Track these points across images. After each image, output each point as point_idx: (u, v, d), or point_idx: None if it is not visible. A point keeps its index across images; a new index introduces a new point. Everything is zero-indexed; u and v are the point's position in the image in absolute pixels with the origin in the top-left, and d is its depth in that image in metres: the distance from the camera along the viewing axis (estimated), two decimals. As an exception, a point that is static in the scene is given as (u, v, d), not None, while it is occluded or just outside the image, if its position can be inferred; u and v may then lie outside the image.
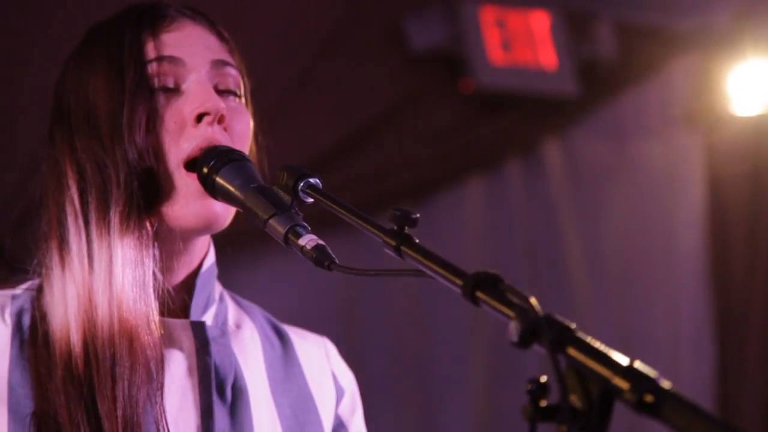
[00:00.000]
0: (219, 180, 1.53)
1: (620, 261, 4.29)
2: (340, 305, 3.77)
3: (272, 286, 3.49)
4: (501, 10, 4.04)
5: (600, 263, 4.26)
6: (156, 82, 1.57)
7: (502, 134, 4.08)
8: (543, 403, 1.17)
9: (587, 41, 4.14)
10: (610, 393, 1.13)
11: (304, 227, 1.46)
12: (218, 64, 1.61)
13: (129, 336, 1.51)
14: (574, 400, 1.15)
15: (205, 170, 1.54)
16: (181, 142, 1.55)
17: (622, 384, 1.12)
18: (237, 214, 1.62)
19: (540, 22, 4.10)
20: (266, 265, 3.51)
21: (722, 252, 4.43)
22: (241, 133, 1.62)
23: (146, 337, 1.52)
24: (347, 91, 3.78)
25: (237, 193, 1.51)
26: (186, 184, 1.56)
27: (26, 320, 1.57)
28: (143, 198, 1.54)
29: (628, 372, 1.12)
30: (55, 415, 1.50)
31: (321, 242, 1.44)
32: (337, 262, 1.42)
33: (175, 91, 1.58)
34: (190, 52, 1.59)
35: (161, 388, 1.53)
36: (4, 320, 1.58)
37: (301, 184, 1.48)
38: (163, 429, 1.52)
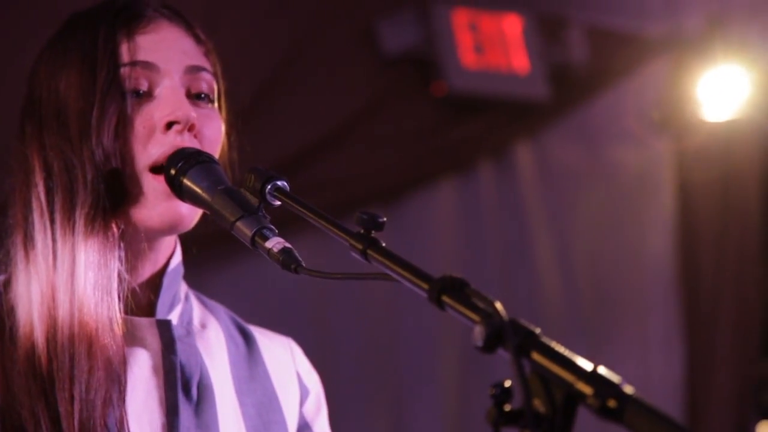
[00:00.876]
0: (186, 182, 1.53)
1: (591, 263, 4.31)
2: (310, 306, 3.77)
3: (242, 286, 3.48)
4: (474, 14, 4.05)
5: (571, 266, 4.28)
6: (128, 86, 1.56)
7: (474, 137, 4.09)
8: (507, 408, 1.18)
9: (559, 45, 4.16)
10: (574, 398, 1.13)
11: (271, 230, 1.46)
12: (192, 69, 1.61)
13: (89, 339, 1.50)
14: (538, 404, 1.15)
15: (173, 172, 1.54)
16: (149, 147, 1.55)
17: (586, 389, 1.12)
18: (204, 215, 1.62)
19: (512, 25, 4.11)
20: (236, 265, 3.51)
21: (691, 255, 4.46)
22: (211, 138, 1.62)
23: (108, 340, 1.51)
24: (319, 92, 3.78)
25: (204, 195, 1.51)
26: (152, 186, 1.56)
27: None
28: (109, 200, 1.54)
29: (592, 377, 1.13)
30: (18, 409, 1.50)
31: (288, 245, 1.44)
32: (304, 265, 1.42)
33: (147, 95, 1.58)
34: (165, 56, 1.59)
35: (124, 390, 1.52)
36: None
37: (269, 186, 1.48)
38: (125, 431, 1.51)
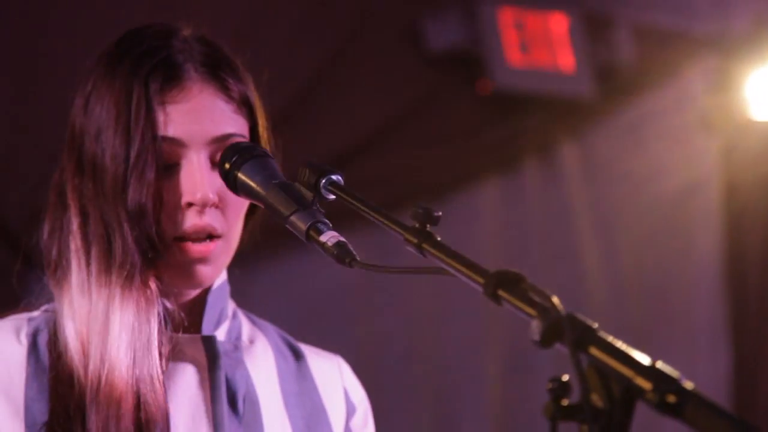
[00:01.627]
0: (241, 176, 1.53)
1: (637, 263, 4.28)
2: (354, 307, 3.77)
3: (286, 289, 3.49)
4: (519, 12, 4.04)
5: (616, 265, 4.25)
6: (157, 158, 1.58)
7: (519, 136, 4.08)
8: (564, 402, 1.17)
9: (605, 44, 4.14)
10: (632, 393, 1.13)
11: (325, 224, 1.46)
12: (220, 139, 1.61)
13: (117, 401, 1.52)
14: (596, 399, 1.15)
15: (227, 166, 1.55)
16: (175, 220, 1.58)
17: (645, 384, 1.12)
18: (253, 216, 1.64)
19: (558, 24, 4.09)
20: (279, 267, 3.52)
21: (738, 255, 4.43)
22: (235, 204, 1.63)
23: (147, 397, 1.53)
24: (364, 91, 3.79)
25: (258, 189, 1.52)
26: (175, 256, 1.59)
27: (43, 338, 1.60)
28: (146, 261, 1.57)
29: (651, 372, 1.12)
30: (61, 425, 1.53)
31: (342, 239, 1.44)
32: (358, 259, 1.43)
33: (174, 166, 1.59)
34: (192, 130, 1.59)
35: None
36: (19, 341, 1.60)
37: (324, 180, 1.49)
38: None
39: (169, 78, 1.59)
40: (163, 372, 1.56)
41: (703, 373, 4.27)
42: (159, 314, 1.57)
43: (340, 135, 3.66)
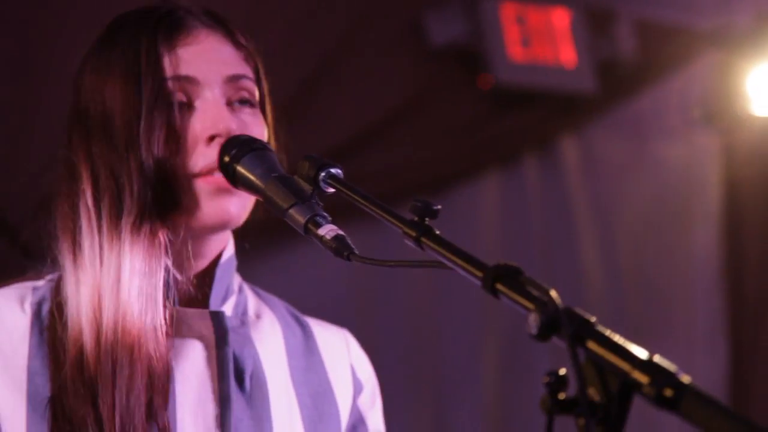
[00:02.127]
0: (240, 169, 1.54)
1: (636, 258, 4.28)
2: (354, 299, 3.77)
3: (285, 279, 3.49)
4: (521, 7, 4.04)
5: (615, 260, 4.25)
6: (171, 98, 1.59)
7: (520, 130, 4.08)
8: (561, 396, 1.17)
9: (607, 39, 4.13)
10: (629, 387, 1.13)
11: (324, 217, 1.46)
12: (232, 78, 1.63)
13: (130, 346, 1.52)
14: (593, 393, 1.15)
15: (227, 159, 1.55)
16: (195, 158, 1.58)
17: (642, 378, 1.12)
18: (254, 210, 1.63)
19: (560, 19, 4.09)
20: (279, 257, 3.52)
21: (737, 251, 4.43)
22: None
23: (152, 348, 1.53)
24: (366, 84, 3.78)
25: (258, 182, 1.52)
26: (200, 188, 1.59)
27: (46, 309, 1.59)
28: (156, 208, 1.56)
29: (648, 366, 1.12)
30: (67, 404, 1.52)
31: (341, 232, 1.44)
32: (357, 252, 1.43)
33: (189, 107, 1.60)
34: (204, 68, 1.61)
35: (166, 397, 1.54)
36: (23, 310, 1.60)
37: (323, 173, 1.49)
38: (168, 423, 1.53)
39: (175, 27, 1.61)
40: (168, 327, 1.56)
41: (701, 368, 4.28)
42: (167, 267, 1.56)
43: (340, 129, 3.66)
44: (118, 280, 1.54)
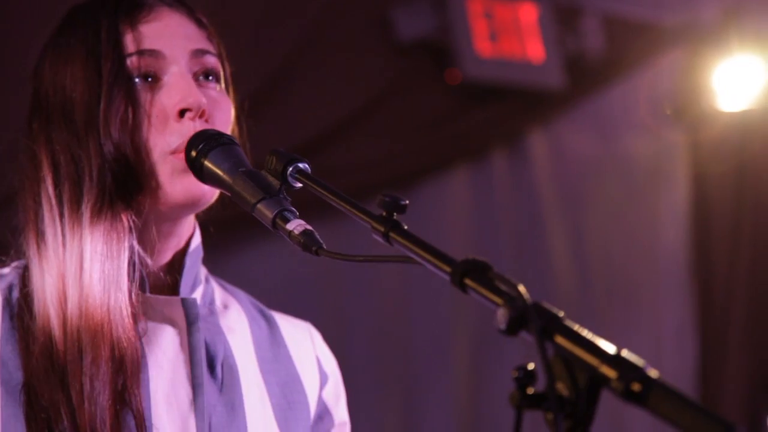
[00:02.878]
0: (207, 164, 1.53)
1: (604, 253, 4.30)
2: (322, 293, 3.77)
3: (254, 272, 3.48)
4: (489, 2, 4.04)
5: (584, 255, 4.27)
6: (136, 75, 1.57)
7: (488, 125, 4.08)
8: (530, 391, 1.17)
9: (575, 34, 4.14)
10: (597, 381, 1.13)
11: (292, 212, 1.46)
12: (197, 53, 1.62)
13: (93, 330, 1.51)
14: (561, 387, 1.15)
15: (194, 154, 1.54)
16: (166, 136, 1.56)
17: (610, 372, 1.12)
18: (222, 196, 1.63)
19: (528, 14, 4.10)
20: (248, 250, 3.51)
21: (705, 247, 4.45)
22: (223, 121, 1.63)
23: (119, 330, 1.52)
24: (333, 79, 3.78)
25: (225, 177, 1.51)
26: (172, 165, 1.57)
27: (15, 294, 1.58)
28: (119, 190, 1.55)
29: (616, 360, 1.12)
30: (40, 391, 1.52)
31: (309, 227, 1.44)
32: (325, 247, 1.42)
33: (155, 82, 1.58)
34: (170, 43, 1.59)
35: (139, 382, 1.53)
36: None
37: (290, 168, 1.48)
38: (144, 424, 1.52)
39: (136, 5, 1.60)
40: (133, 309, 1.55)
41: (669, 363, 4.30)
42: (132, 249, 1.55)
43: (308, 123, 3.66)
44: (80, 265, 1.53)
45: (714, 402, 4.31)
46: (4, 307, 1.58)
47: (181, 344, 1.60)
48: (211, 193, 1.60)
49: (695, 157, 4.43)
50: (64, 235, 1.55)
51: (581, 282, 4.25)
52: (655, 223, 4.41)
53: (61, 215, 1.56)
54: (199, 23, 1.66)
